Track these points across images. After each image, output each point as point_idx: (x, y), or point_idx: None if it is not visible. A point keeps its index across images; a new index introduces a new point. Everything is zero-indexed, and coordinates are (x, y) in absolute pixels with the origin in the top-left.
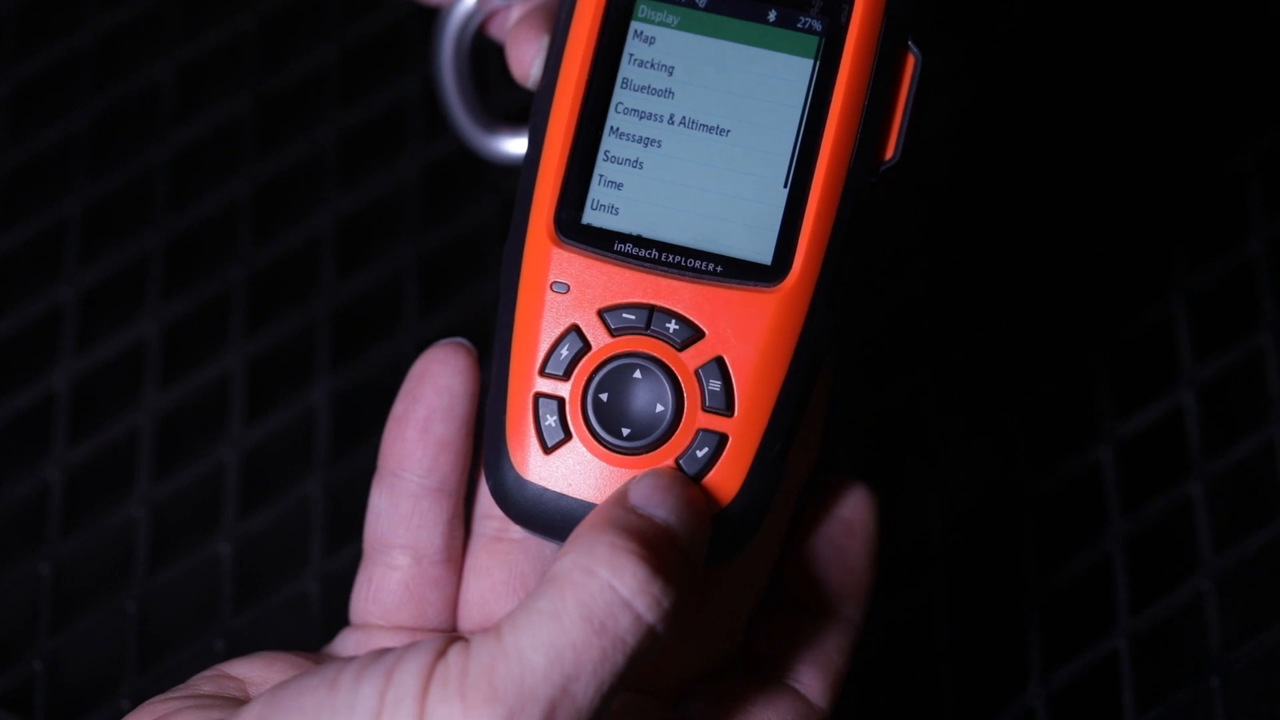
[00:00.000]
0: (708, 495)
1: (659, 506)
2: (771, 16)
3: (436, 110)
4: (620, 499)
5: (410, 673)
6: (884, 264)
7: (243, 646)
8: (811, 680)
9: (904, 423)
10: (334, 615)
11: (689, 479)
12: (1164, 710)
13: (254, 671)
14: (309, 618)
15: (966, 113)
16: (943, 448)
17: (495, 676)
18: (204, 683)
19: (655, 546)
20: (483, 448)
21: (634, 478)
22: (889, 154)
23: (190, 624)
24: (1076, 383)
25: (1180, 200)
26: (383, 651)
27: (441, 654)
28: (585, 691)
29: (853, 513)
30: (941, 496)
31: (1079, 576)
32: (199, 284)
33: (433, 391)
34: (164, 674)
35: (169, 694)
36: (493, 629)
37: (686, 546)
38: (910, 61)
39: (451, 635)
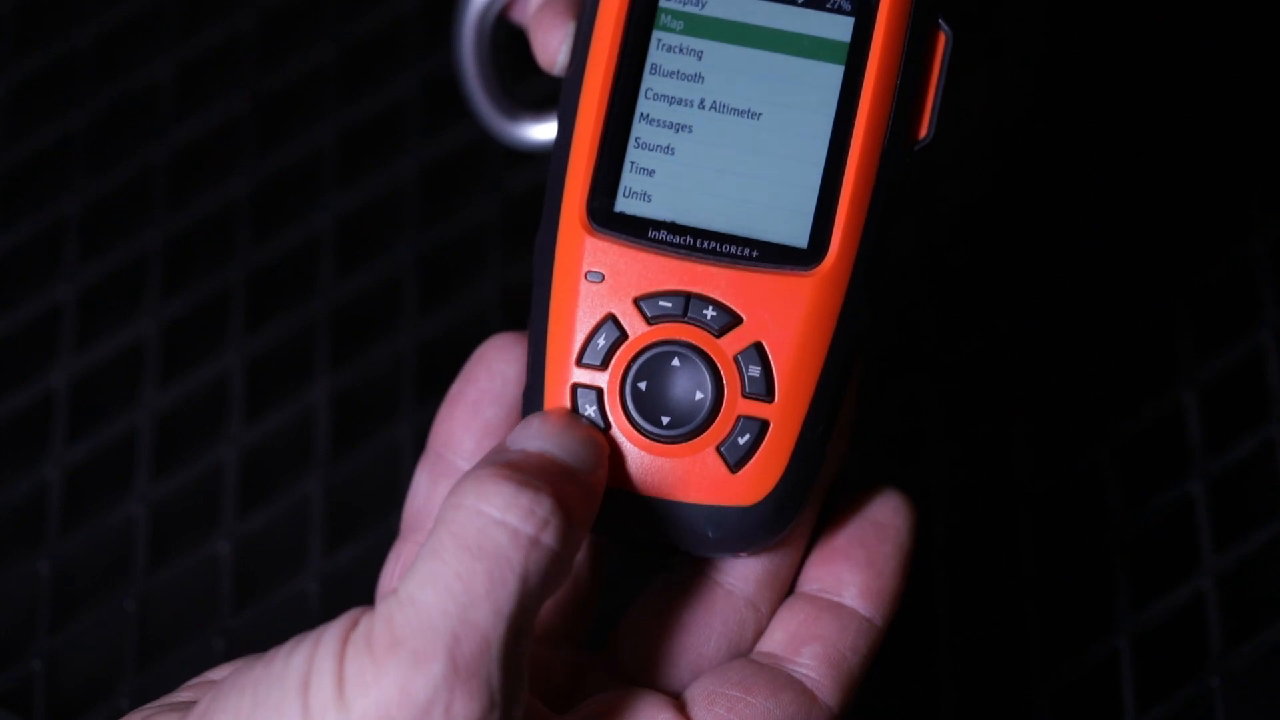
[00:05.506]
0: (737, 482)
1: (532, 439)
2: None
3: (436, 109)
4: (499, 444)
5: (331, 638)
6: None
7: (242, 646)
8: (822, 677)
9: (903, 423)
10: (334, 615)
11: (573, 416)
12: (1164, 710)
13: None
14: (309, 617)
15: (965, 112)
16: (943, 448)
17: (394, 624)
18: (185, 691)
19: (523, 467)
20: None
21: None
22: (923, 133)
23: (190, 623)
24: (1076, 382)
25: (1180, 199)
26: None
27: (356, 620)
28: (486, 618)
29: (887, 517)
30: (941, 496)
31: (1079, 577)
32: (198, 283)
33: (486, 375)
34: (163, 673)
35: (147, 706)
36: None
37: (567, 461)
38: (941, 40)
39: (368, 606)
